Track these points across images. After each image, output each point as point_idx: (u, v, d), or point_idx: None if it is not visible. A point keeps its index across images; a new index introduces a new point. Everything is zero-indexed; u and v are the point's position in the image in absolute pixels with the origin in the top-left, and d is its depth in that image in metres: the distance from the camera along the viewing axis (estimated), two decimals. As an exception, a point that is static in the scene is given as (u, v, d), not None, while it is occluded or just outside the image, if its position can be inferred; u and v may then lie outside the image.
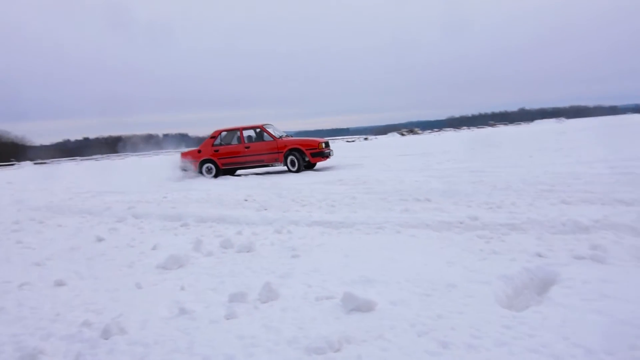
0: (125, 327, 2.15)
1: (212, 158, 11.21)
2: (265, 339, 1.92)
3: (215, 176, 11.01)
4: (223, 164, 11.13)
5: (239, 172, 11.53)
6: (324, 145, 10.90)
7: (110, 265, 3.42)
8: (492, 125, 51.83)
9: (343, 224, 4.14)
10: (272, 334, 1.96)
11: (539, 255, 2.70)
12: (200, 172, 11.13)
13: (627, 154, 8.14)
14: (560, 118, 49.13)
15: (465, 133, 34.57)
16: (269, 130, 11.17)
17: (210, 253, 3.49)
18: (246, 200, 6.24)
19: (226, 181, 9.68)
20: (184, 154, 11.52)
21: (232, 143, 11.29)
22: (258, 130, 11.26)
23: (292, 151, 10.81)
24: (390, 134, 41.65)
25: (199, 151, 11.29)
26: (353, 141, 34.21)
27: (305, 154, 10.83)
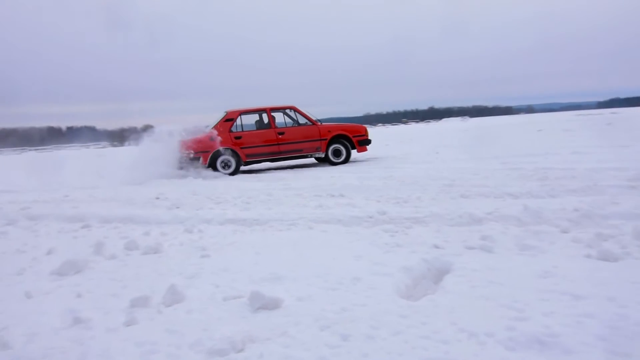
0: (9, 342, 1.96)
1: (231, 147, 8.42)
2: (166, 344, 1.85)
3: (234, 173, 8.38)
4: (247, 155, 8.52)
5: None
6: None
7: (-5, 274, 3.09)
8: (404, 123, 54.59)
9: (257, 221, 4.12)
10: (174, 338, 1.90)
11: (436, 247, 2.90)
12: (213, 167, 8.32)
13: (516, 151, 9.01)
14: (464, 117, 53.03)
15: (379, 130, 35.94)
16: (304, 112, 8.97)
17: (113, 256, 3.29)
18: (158, 198, 5.97)
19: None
20: (186, 144, 8.29)
21: (259, 128, 8.84)
22: (290, 112, 8.97)
23: (337, 138, 8.96)
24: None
25: (211, 138, 8.35)
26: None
27: (352, 141, 9.08)
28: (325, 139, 8.88)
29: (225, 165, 8.43)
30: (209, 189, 6.43)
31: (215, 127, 8.56)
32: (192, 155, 8.24)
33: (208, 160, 8.33)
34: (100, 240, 3.57)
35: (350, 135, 9.04)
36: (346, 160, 9.03)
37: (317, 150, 8.91)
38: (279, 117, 9.03)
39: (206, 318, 2.08)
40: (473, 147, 10.78)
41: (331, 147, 8.95)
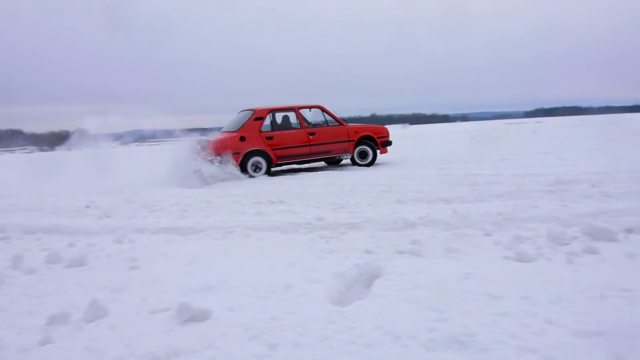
0: None
1: (262, 149, 7.83)
2: (84, 362, 1.77)
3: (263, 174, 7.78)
4: (279, 157, 8.01)
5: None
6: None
7: None
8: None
9: (193, 230, 4.02)
10: (93, 356, 1.81)
11: (369, 252, 2.98)
12: (243, 170, 7.65)
13: (450, 158, 9.46)
14: (404, 124, 54.90)
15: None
16: (331, 112, 8.60)
17: (32, 270, 3.07)
18: (88, 207, 5.66)
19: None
20: (215, 144, 7.52)
21: (288, 128, 8.33)
22: (317, 111, 8.56)
23: (363, 140, 8.70)
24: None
25: (242, 138, 7.73)
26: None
27: (377, 143, 8.82)
28: (353, 140, 8.62)
29: (256, 167, 7.84)
30: (144, 196, 6.18)
31: (243, 127, 7.93)
32: (221, 158, 7.52)
33: (239, 162, 7.68)
34: (19, 253, 3.32)
35: (375, 137, 8.84)
36: (372, 163, 8.84)
37: (345, 151, 8.65)
38: (309, 117, 8.68)
39: (130, 333, 2.00)
40: (410, 153, 11.19)
41: (357, 149, 8.73)
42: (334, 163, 9.52)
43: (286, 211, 4.63)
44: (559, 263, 2.64)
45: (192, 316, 2.07)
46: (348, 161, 9.11)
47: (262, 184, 6.90)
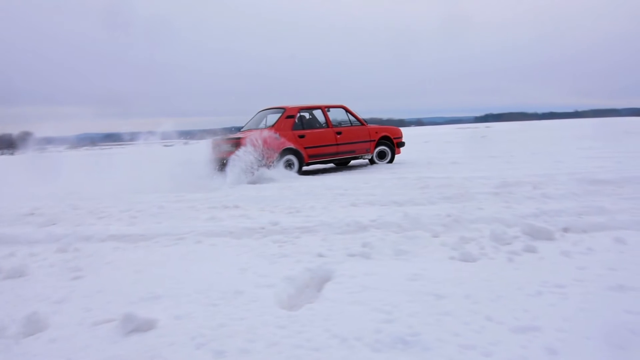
0: None
1: (296, 147, 7.78)
2: (19, 379, 1.68)
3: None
4: (310, 156, 7.96)
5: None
6: None
7: None
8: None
9: (143, 237, 3.90)
10: (29, 373, 1.73)
11: (320, 255, 3.00)
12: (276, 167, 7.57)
13: (404, 161, 9.69)
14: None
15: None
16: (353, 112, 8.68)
17: (-34, 283, 2.89)
18: (32, 214, 5.39)
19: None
20: (255, 141, 7.32)
21: (315, 127, 8.31)
22: (339, 111, 8.65)
23: (381, 140, 8.94)
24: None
25: (278, 137, 7.66)
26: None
27: (394, 143, 9.09)
28: (374, 141, 8.80)
29: (289, 165, 7.79)
30: (94, 202, 5.94)
31: (277, 125, 7.83)
32: (259, 156, 7.36)
33: (277, 159, 7.60)
34: (-50, 266, 3.12)
35: (392, 137, 9.05)
36: (390, 162, 9.14)
37: (367, 151, 8.78)
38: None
39: (71, 346, 1.93)
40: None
41: (376, 149, 8.96)
42: (342, 164, 9.59)
43: (240, 216, 4.58)
44: (500, 262, 2.77)
45: (138, 326, 2.01)
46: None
47: (218, 189, 6.80)
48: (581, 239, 3.12)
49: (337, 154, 8.36)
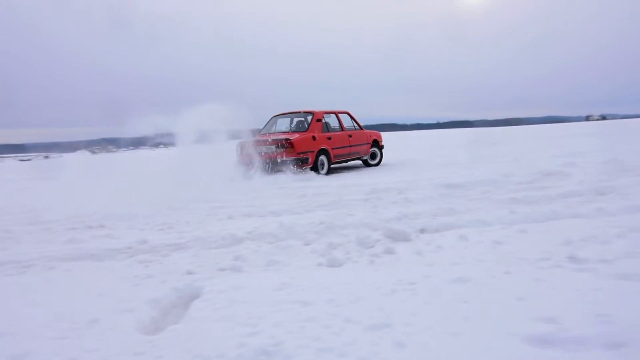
0: None
1: (327, 148, 8.44)
2: None
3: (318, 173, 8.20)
4: (335, 157, 8.74)
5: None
6: None
7: None
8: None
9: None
10: None
11: (189, 273, 2.91)
12: (314, 169, 8.17)
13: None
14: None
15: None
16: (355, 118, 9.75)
17: None
18: None
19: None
20: (297, 143, 7.86)
21: (331, 130, 8.95)
22: (346, 116, 9.49)
23: (373, 143, 9.97)
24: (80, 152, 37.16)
25: (313, 138, 8.22)
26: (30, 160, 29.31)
27: (380, 146, 10.13)
28: (370, 143, 9.81)
29: (322, 165, 8.46)
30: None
31: (311, 127, 8.47)
32: (296, 157, 7.93)
33: (312, 160, 8.17)
34: None
35: (379, 140, 10.13)
36: (379, 163, 10.12)
37: (366, 153, 9.80)
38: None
39: None
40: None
41: (370, 151, 9.96)
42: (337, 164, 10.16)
43: (105, 236, 4.23)
44: (363, 265, 2.96)
45: (-40, 374, 1.74)
46: None
47: (85, 204, 6.18)
48: (433, 239, 3.48)
49: (350, 154, 9.31)
